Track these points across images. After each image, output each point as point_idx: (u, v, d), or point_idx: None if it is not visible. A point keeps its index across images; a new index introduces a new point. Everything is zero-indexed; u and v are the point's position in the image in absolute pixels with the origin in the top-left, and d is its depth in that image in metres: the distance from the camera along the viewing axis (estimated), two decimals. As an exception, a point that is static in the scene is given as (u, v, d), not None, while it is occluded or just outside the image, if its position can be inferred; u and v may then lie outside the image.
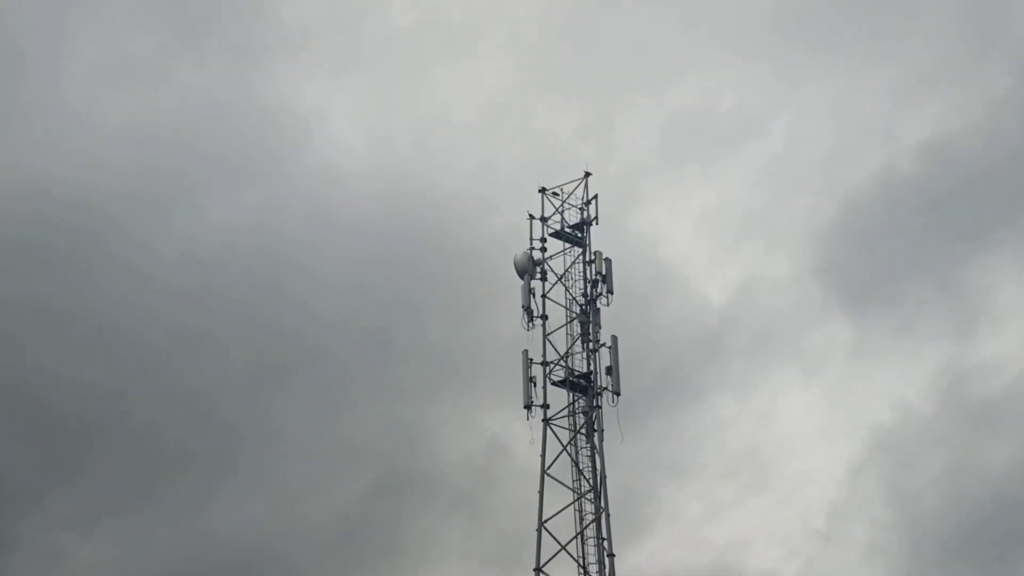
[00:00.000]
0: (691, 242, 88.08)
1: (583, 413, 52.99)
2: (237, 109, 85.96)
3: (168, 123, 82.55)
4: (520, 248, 55.53)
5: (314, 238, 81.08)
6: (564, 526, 51.86)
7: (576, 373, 53.28)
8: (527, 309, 53.85)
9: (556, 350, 53.96)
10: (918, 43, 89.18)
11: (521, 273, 54.67)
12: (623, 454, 53.09)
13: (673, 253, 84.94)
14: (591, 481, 52.16)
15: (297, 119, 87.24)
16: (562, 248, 55.64)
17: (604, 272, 54.55)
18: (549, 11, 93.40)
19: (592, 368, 53.49)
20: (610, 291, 54.08)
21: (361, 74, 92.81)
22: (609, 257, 55.15)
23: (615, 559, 51.39)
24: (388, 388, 75.62)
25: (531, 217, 55.46)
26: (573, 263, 55.20)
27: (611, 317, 54.97)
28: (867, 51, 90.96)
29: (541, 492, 51.52)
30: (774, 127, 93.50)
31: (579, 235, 55.44)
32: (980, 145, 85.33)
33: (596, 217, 55.74)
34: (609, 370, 53.30)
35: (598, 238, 56.46)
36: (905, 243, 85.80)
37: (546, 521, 51.48)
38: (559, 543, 51.59)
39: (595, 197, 55.84)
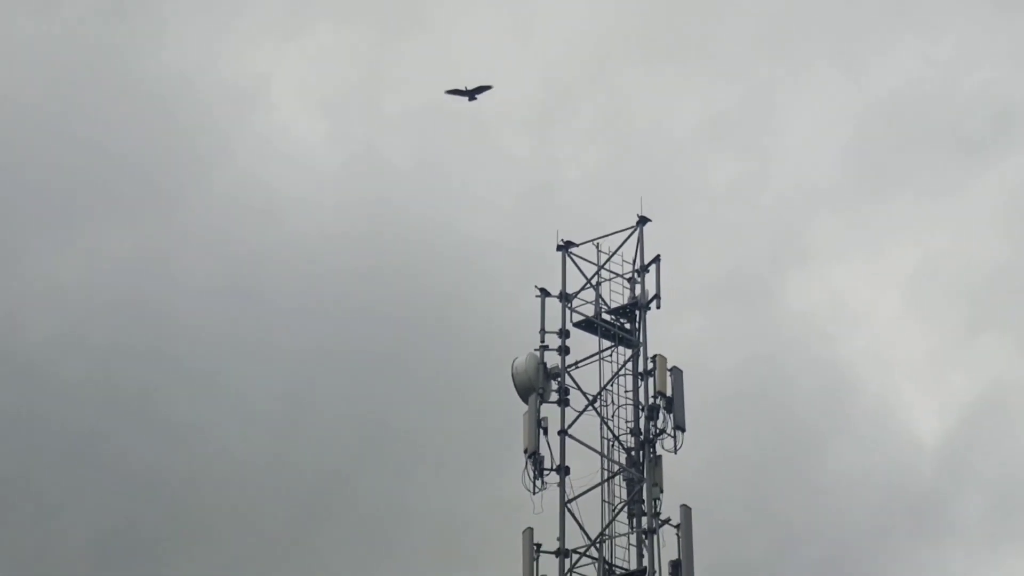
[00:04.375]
0: (886, 331, 75.19)
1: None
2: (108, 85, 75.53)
3: None
4: (524, 350, 44.18)
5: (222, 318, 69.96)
6: None
7: (618, 572, 42.14)
8: (533, 456, 42.69)
9: (583, 529, 42.52)
10: None
11: (524, 393, 43.43)
12: None
13: (848, 353, 72.15)
14: None
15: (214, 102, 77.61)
16: (597, 350, 44.24)
17: (670, 393, 42.76)
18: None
19: (646, 564, 41.88)
20: (679, 426, 42.61)
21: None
22: (678, 367, 43.31)
23: None
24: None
25: (543, 294, 44.17)
26: (616, 375, 43.80)
27: (683, 471, 43.48)
28: None
29: None
30: None
31: (626, 326, 44.16)
32: None
33: (658, 296, 44.03)
34: (676, 567, 41.59)
35: (665, 331, 45.03)
36: None
37: None
38: None
39: (656, 260, 44.27)
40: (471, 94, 67.72)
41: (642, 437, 42.70)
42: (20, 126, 75.35)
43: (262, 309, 73.13)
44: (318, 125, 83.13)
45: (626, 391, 43.64)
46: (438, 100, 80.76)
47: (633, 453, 42.78)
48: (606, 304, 44.04)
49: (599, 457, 42.61)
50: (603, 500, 42.22)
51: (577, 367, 43.71)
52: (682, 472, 43.30)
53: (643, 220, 44.04)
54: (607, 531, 42.02)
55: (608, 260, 44.57)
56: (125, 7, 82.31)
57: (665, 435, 42.37)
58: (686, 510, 41.57)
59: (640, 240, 44.27)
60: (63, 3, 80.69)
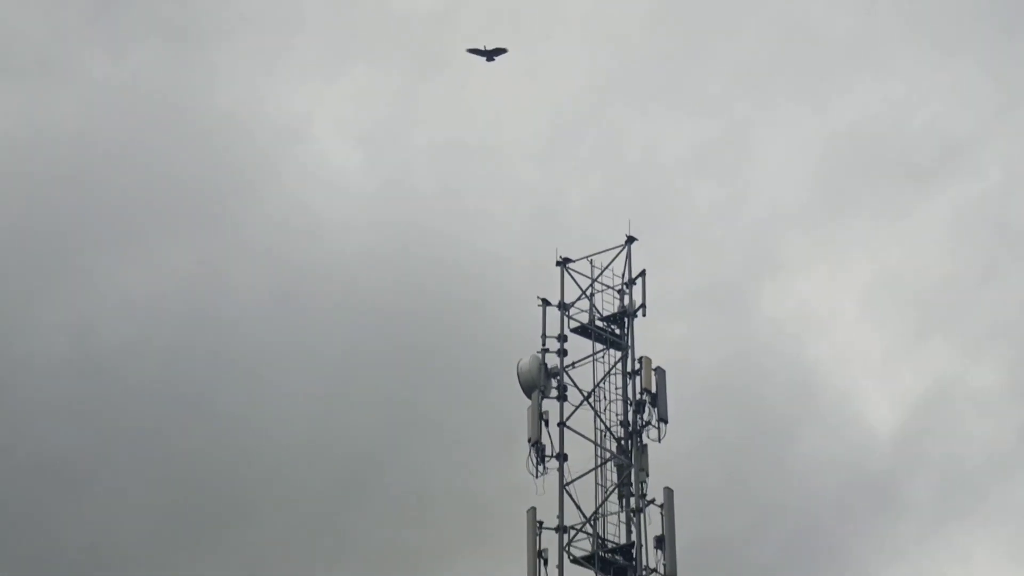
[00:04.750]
0: (846, 335, 73.68)
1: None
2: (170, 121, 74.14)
3: (60, 145, 72.38)
4: (528, 352, 43.14)
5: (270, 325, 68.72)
6: None
7: (609, 545, 41.29)
8: (536, 444, 41.71)
9: (580, 508, 41.70)
10: None
11: (528, 390, 42.45)
12: None
13: (814, 353, 70.62)
14: None
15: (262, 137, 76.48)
16: (591, 353, 43.57)
17: (654, 389, 42.12)
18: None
19: (634, 538, 41.00)
20: (662, 418, 41.98)
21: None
22: (661, 367, 42.70)
23: None
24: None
25: (544, 303, 43.28)
26: (607, 374, 42.83)
27: (666, 458, 42.19)
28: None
29: None
30: (986, 158, 79.01)
31: (616, 332, 43.30)
32: None
33: (643, 305, 43.34)
34: (660, 542, 41.06)
35: (650, 336, 43.78)
36: None
37: None
38: None
39: (642, 274, 43.46)
40: (489, 55, 64.81)
41: (630, 428, 41.97)
42: (95, 158, 74.43)
43: (305, 315, 71.89)
44: (354, 155, 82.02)
45: (616, 388, 42.67)
46: (459, 134, 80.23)
47: (623, 442, 42.00)
48: (599, 312, 43.20)
49: (593, 446, 41.89)
50: (596, 483, 41.45)
51: (574, 367, 42.84)
52: (666, 458, 42.34)
53: (631, 239, 43.25)
54: (600, 510, 41.24)
55: (601, 274, 43.65)
56: (184, 55, 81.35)
57: (650, 426, 41.75)
58: (669, 492, 40.73)
59: (628, 256, 43.33)
60: (131, 53, 80.00)
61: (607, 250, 43.28)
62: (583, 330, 42.84)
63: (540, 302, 43.05)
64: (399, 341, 68.45)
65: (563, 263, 43.11)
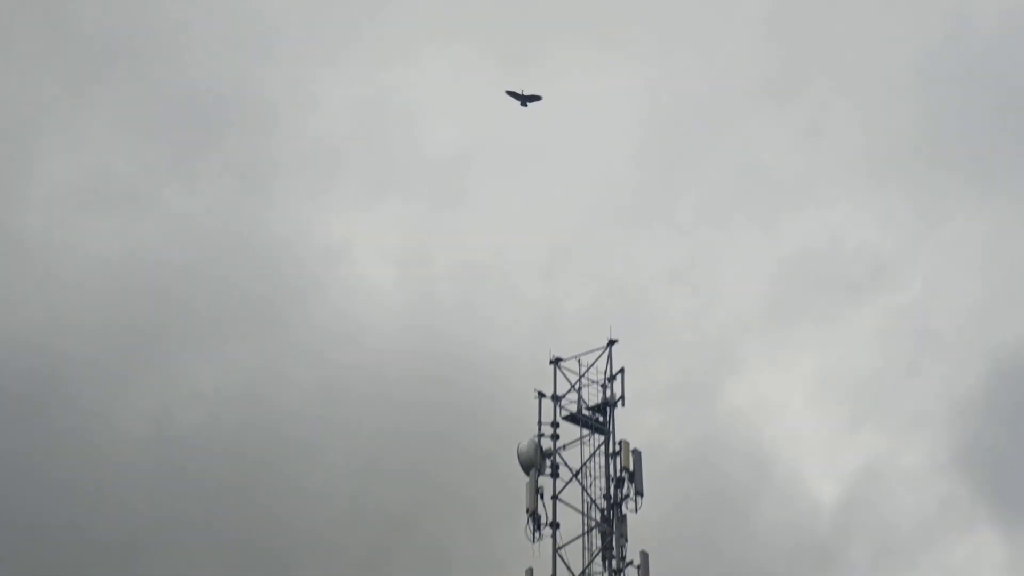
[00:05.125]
0: (795, 421, 70.04)
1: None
2: (236, 245, 70.97)
3: (146, 264, 68.64)
4: (526, 436, 40.94)
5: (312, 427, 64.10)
6: None
7: None
8: (533, 514, 39.55)
9: (570, 569, 39.29)
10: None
11: (527, 468, 40.39)
12: None
13: (769, 436, 66.24)
14: None
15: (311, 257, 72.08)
16: (579, 437, 41.09)
17: (631, 468, 39.77)
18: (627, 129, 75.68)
19: None
20: (639, 492, 39.69)
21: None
22: (638, 448, 40.33)
23: None
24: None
25: (540, 395, 41.21)
26: (592, 455, 40.49)
27: (643, 526, 40.04)
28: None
29: None
30: (909, 274, 76.67)
31: (599, 419, 40.84)
32: None
33: (623, 397, 41.07)
34: None
35: (629, 422, 41.33)
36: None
37: None
38: None
39: (621, 371, 41.25)
40: (524, 100, 59.70)
41: (612, 501, 40.14)
42: (174, 274, 72.10)
43: (346, 403, 68.50)
44: (387, 273, 78.93)
45: (600, 467, 40.76)
46: (473, 256, 77.85)
47: (606, 512, 40.11)
48: (586, 403, 41.40)
49: (581, 515, 40.05)
50: (584, 547, 39.63)
51: (565, 449, 41.00)
52: (642, 526, 40.52)
53: (612, 342, 41.62)
54: (587, 570, 39.40)
55: (587, 371, 41.81)
56: (246, 190, 79.18)
57: (629, 499, 40.00)
58: (644, 555, 39.38)
59: (610, 356, 41.56)
60: (204, 188, 77.46)
61: (592, 351, 41.44)
62: (572, 418, 41.08)
63: (537, 394, 41.20)
64: (423, 425, 65.44)
65: (555, 362, 41.48)
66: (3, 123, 75.98)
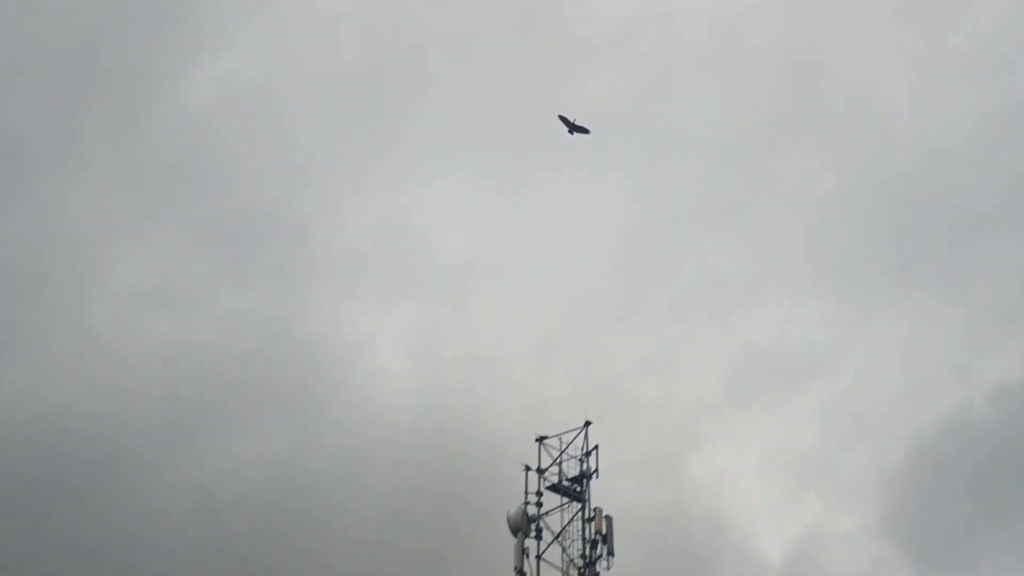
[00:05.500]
0: (747, 491, 67.77)
1: None
2: (276, 337, 68.76)
3: (200, 354, 67.11)
4: (514, 503, 40.30)
5: (340, 488, 62.94)
6: None
7: None
8: (519, 572, 38.61)
9: None
10: (995, 279, 70.70)
11: (514, 531, 39.67)
12: None
13: (726, 504, 64.40)
14: None
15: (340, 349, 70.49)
16: (560, 504, 40.35)
17: (604, 531, 38.98)
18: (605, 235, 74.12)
19: None
20: (611, 552, 38.73)
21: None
22: (610, 515, 39.59)
23: None
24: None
25: (527, 469, 40.77)
26: (571, 520, 39.73)
27: None
28: (941, 286, 72.24)
29: None
30: (843, 365, 73.89)
31: (577, 489, 40.30)
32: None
33: (596, 470, 40.45)
34: None
35: (603, 491, 40.61)
36: (982, 494, 62.17)
37: None
38: None
39: (595, 448, 40.63)
40: (573, 128, 53.14)
41: (588, 560, 39.39)
42: (223, 363, 70.81)
43: (368, 473, 67.96)
44: (403, 362, 78.28)
45: (578, 530, 40.17)
46: (475, 347, 77.00)
47: (583, 570, 39.46)
48: (565, 475, 40.76)
49: (561, 573, 39.44)
50: None
51: (548, 515, 40.43)
52: None
53: (587, 423, 41.08)
54: None
55: (567, 447, 41.14)
56: (285, 291, 77.66)
57: (602, 559, 39.23)
58: None
59: (586, 435, 40.95)
60: (250, 289, 76.32)
61: (572, 430, 41.07)
62: (554, 488, 40.53)
63: (524, 468, 40.87)
64: (432, 491, 63.51)
65: (540, 440, 41.11)
66: (84, 234, 75.47)
